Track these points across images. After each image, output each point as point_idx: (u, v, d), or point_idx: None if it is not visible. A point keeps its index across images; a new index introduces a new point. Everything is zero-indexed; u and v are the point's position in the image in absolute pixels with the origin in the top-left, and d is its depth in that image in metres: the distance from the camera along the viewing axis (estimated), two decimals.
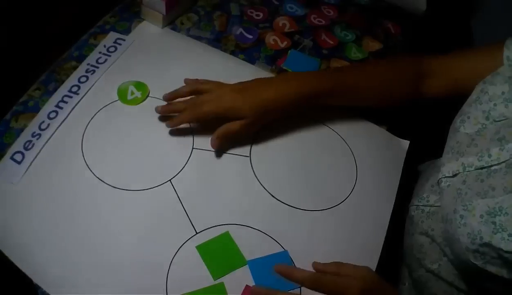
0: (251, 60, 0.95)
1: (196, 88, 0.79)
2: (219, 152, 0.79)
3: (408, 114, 0.92)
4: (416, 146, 0.89)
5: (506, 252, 0.59)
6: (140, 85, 0.85)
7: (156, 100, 0.83)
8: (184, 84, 0.81)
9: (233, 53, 0.95)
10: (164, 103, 0.81)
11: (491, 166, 0.66)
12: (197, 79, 0.83)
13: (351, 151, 0.84)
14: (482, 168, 0.68)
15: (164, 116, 0.81)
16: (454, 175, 0.72)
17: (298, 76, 0.81)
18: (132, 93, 0.84)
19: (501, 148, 0.66)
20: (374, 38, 1.06)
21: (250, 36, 0.99)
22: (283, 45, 0.99)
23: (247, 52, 0.96)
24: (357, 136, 0.87)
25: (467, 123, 0.72)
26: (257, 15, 1.04)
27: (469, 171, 0.69)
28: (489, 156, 0.67)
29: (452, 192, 0.70)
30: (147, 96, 0.84)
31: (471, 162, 0.69)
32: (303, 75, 0.81)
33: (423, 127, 1.03)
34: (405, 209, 0.85)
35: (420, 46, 1.15)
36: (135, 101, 0.83)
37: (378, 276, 0.67)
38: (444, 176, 0.73)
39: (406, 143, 0.89)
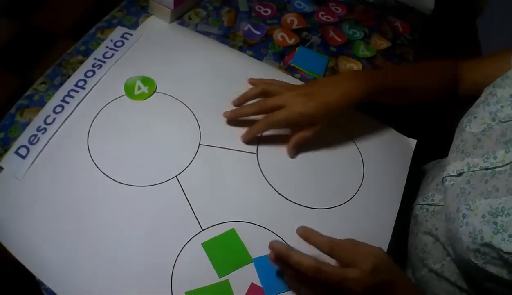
0: (258, 56, 0.94)
1: (263, 90, 0.80)
2: (226, 148, 0.78)
3: (416, 113, 0.92)
4: (422, 146, 0.89)
5: (506, 253, 0.59)
6: (147, 80, 0.84)
7: (163, 96, 0.83)
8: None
9: (241, 49, 0.95)
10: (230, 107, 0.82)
11: (496, 167, 0.66)
12: (262, 79, 0.84)
13: (358, 149, 0.84)
14: (487, 169, 0.67)
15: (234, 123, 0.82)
16: (459, 174, 0.71)
17: (361, 75, 0.81)
18: (139, 88, 0.83)
19: (507, 150, 0.66)
20: (382, 36, 1.06)
21: (258, 33, 0.98)
22: (291, 42, 0.98)
23: (255, 48, 0.96)
24: (364, 135, 0.86)
25: (473, 123, 0.72)
26: (265, 12, 1.03)
27: (473, 171, 0.69)
28: (495, 157, 0.67)
29: (456, 191, 0.70)
30: (154, 91, 0.83)
31: (476, 162, 0.69)
32: (365, 74, 0.81)
33: (430, 126, 1.03)
34: (410, 208, 0.84)
35: (428, 44, 1.15)
36: (142, 96, 0.82)
37: (392, 260, 0.66)
38: (448, 175, 0.73)
39: (413, 142, 0.88)
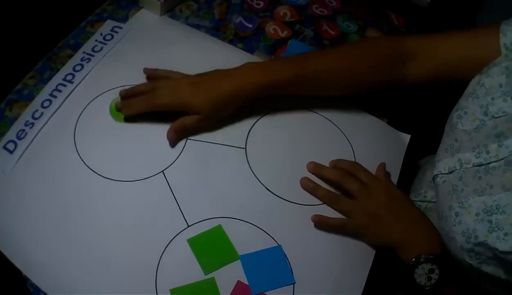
0: (250, 49, 0.93)
1: (153, 74, 0.80)
2: (214, 143, 0.77)
3: (410, 107, 0.90)
4: (417, 140, 0.87)
5: (502, 252, 0.57)
6: None
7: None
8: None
9: (232, 42, 0.93)
10: None
11: (489, 163, 0.64)
12: (156, 68, 0.81)
13: (350, 144, 0.82)
14: (480, 165, 0.65)
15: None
16: (450, 172, 0.69)
17: (257, 67, 0.76)
18: None
19: (500, 144, 0.63)
20: (377, 30, 1.04)
21: (250, 25, 0.97)
22: (283, 34, 0.97)
23: (246, 41, 0.94)
24: (356, 129, 0.85)
25: (465, 119, 0.69)
26: (258, 4, 1.01)
27: (466, 168, 0.67)
28: (487, 152, 0.64)
29: (448, 188, 0.68)
30: None
31: (468, 158, 0.67)
32: (262, 66, 0.77)
33: (424, 121, 1.01)
34: None
35: None
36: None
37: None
38: (439, 173, 0.71)
39: (407, 137, 0.86)
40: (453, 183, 0.67)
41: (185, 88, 0.74)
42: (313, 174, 0.76)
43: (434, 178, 0.72)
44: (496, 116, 0.65)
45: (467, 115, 0.69)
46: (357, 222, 0.70)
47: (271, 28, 0.97)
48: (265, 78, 0.75)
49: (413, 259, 0.66)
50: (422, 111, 1.01)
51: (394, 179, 0.79)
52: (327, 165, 0.77)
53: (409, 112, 0.94)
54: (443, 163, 0.71)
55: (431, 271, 0.65)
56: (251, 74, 0.75)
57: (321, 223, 0.71)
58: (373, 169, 0.78)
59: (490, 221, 0.59)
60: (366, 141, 0.84)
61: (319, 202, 0.74)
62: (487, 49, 0.70)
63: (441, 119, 0.78)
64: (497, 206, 0.59)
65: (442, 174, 0.70)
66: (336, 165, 0.76)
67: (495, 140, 0.64)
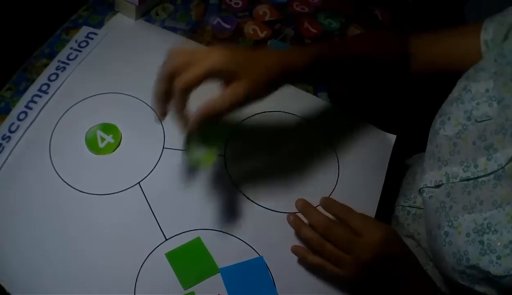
0: None
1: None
2: None
3: (394, 106, 0.88)
4: (403, 139, 0.85)
5: (495, 276, 0.54)
6: (108, 127, 0.76)
7: (125, 97, 0.79)
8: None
9: (209, 44, 0.91)
10: None
11: (478, 177, 0.61)
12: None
13: (333, 147, 0.80)
14: (468, 180, 0.62)
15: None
16: (437, 186, 0.66)
17: (299, 47, 0.73)
18: (103, 139, 0.75)
19: (489, 158, 0.60)
20: (361, 26, 1.01)
21: (228, 26, 0.94)
22: (262, 35, 0.94)
23: (224, 43, 0.91)
24: (339, 131, 0.82)
25: (447, 125, 0.67)
26: (236, 4, 0.98)
27: (454, 182, 0.64)
28: (476, 166, 0.62)
29: (435, 205, 0.65)
30: (121, 139, 0.75)
31: (455, 172, 0.64)
32: (304, 47, 0.75)
33: (411, 119, 0.99)
34: (392, 207, 0.81)
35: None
36: (110, 148, 0.74)
37: (400, 237, 0.66)
38: (426, 186, 0.68)
39: (392, 137, 0.84)
40: (441, 199, 0.65)
41: (217, 52, 0.58)
42: (300, 212, 0.70)
43: (420, 191, 0.70)
44: (479, 120, 0.63)
45: (450, 121, 0.67)
46: (349, 275, 0.64)
47: (250, 28, 0.94)
48: (310, 55, 0.64)
49: None
50: (408, 109, 0.99)
51: (380, 181, 0.77)
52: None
53: (395, 111, 0.92)
54: (429, 175, 0.68)
55: None
56: (296, 51, 0.66)
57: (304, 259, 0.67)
58: (358, 172, 0.76)
59: (481, 242, 0.56)
60: (350, 142, 0.81)
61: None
62: (473, 47, 0.69)
63: (428, 115, 0.75)
64: (488, 225, 0.57)
65: (429, 187, 0.68)
66: (326, 207, 0.68)
67: (484, 153, 0.61)
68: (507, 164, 0.58)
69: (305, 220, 0.68)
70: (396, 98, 0.84)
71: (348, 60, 0.71)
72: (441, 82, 0.76)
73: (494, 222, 0.56)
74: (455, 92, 0.68)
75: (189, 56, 0.58)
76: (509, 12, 0.67)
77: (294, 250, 0.67)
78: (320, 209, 0.69)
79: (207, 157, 0.65)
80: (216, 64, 0.56)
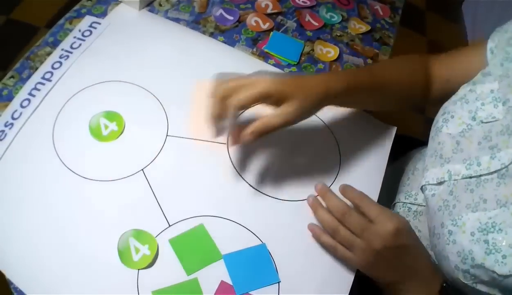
0: (231, 42, 0.91)
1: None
2: (195, 139, 0.75)
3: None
4: (405, 132, 0.85)
5: (500, 275, 0.54)
6: (111, 116, 0.76)
7: (129, 85, 0.79)
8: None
9: (212, 35, 0.91)
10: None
11: (481, 175, 0.61)
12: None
13: (335, 138, 0.81)
14: (470, 177, 0.63)
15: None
16: (439, 183, 0.67)
17: (338, 72, 0.76)
18: (106, 127, 0.75)
19: (492, 156, 0.61)
20: (361, 20, 1.02)
21: (231, 18, 0.94)
22: (265, 26, 0.94)
23: (227, 34, 0.92)
24: (340, 122, 0.83)
25: (451, 123, 0.67)
26: None
27: (456, 180, 0.64)
28: (478, 164, 0.62)
29: (438, 203, 0.65)
30: (124, 127, 0.75)
31: (458, 169, 0.64)
32: (342, 71, 0.77)
33: (411, 113, 1.00)
34: (392, 202, 0.81)
35: (410, 28, 1.12)
36: (113, 136, 0.74)
37: (413, 230, 0.67)
38: (428, 183, 0.68)
39: (393, 129, 0.84)
40: (444, 198, 0.65)
41: (265, 78, 0.64)
42: (319, 195, 0.71)
43: (422, 188, 0.70)
44: (484, 121, 0.63)
45: (454, 119, 0.67)
46: (359, 260, 0.65)
47: (252, 20, 0.95)
48: (347, 78, 0.70)
49: None
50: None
51: (381, 173, 0.78)
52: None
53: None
54: (432, 172, 0.68)
55: None
56: (335, 75, 0.72)
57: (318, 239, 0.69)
58: (359, 163, 0.77)
59: (486, 241, 0.56)
60: (351, 134, 0.82)
61: (303, 197, 0.72)
62: (480, 60, 0.70)
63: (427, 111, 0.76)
64: (493, 224, 0.57)
65: (431, 184, 0.68)
66: (345, 193, 0.69)
67: (487, 152, 0.62)
68: (511, 163, 0.59)
69: (324, 204, 0.70)
70: None
71: (371, 90, 0.74)
72: None
73: (498, 221, 0.56)
74: (459, 93, 0.69)
75: (240, 81, 0.64)
76: None
77: (311, 228, 0.69)
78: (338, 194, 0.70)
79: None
80: (269, 86, 0.63)
